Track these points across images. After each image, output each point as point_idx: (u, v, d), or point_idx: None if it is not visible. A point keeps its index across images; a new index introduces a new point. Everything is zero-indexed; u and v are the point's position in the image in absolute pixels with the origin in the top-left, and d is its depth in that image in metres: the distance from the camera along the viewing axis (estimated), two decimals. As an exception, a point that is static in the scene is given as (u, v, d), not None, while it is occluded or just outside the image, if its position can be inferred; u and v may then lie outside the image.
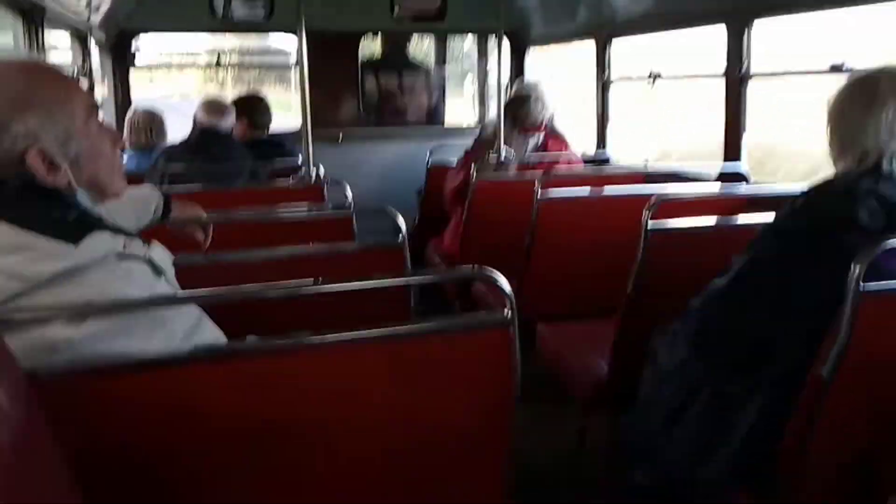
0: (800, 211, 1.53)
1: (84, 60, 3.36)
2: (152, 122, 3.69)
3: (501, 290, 1.23)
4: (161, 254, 1.20)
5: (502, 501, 1.36)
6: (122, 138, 1.34)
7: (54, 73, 1.20)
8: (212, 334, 1.21)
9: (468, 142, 3.99)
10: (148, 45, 4.59)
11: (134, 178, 1.71)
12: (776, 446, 1.45)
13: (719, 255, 1.68)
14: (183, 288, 1.31)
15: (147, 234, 1.22)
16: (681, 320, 1.74)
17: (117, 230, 1.14)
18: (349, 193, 2.47)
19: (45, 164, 1.12)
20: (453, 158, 4.03)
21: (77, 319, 1.04)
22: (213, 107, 3.24)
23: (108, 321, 1.06)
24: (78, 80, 1.26)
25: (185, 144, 3.18)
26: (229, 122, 3.26)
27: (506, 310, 1.22)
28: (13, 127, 1.09)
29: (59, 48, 3.33)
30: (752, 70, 2.86)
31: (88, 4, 3.28)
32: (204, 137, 3.14)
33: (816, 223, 1.45)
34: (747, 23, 2.81)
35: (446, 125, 5.37)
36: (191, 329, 1.16)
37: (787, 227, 1.55)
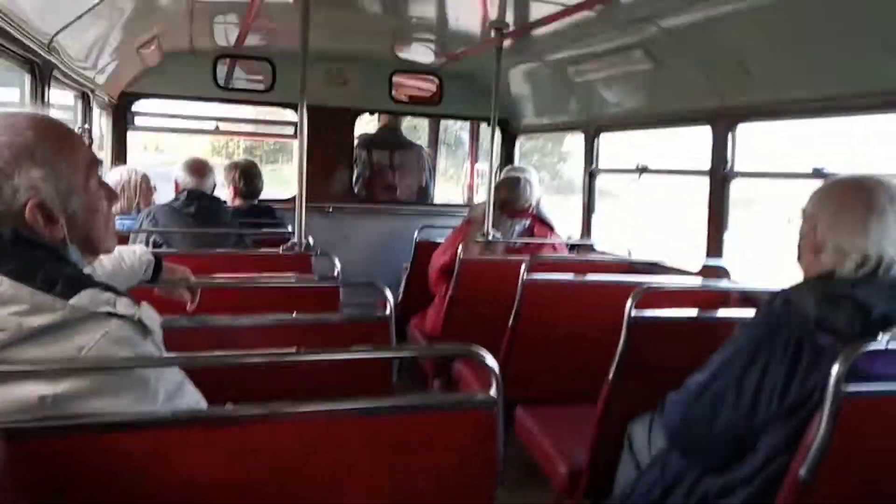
0: (777, 311, 1.56)
1: (85, 119, 3.41)
2: (141, 185, 3.70)
3: (489, 368, 1.23)
4: (150, 314, 1.19)
5: None
6: (118, 197, 1.36)
7: (61, 127, 1.22)
8: (192, 398, 1.20)
9: (456, 221, 4.06)
10: (152, 109, 4.69)
11: (120, 239, 1.73)
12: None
13: (700, 346, 1.70)
14: (166, 350, 1.30)
15: (135, 294, 1.22)
16: (659, 411, 1.74)
17: (107, 288, 1.14)
18: (338, 265, 2.48)
19: (43, 217, 1.13)
20: (441, 237, 4.09)
21: (58, 376, 1.03)
22: (195, 167, 3.23)
23: (90, 379, 1.04)
24: (82, 135, 1.29)
25: (170, 206, 3.14)
26: (210, 182, 3.26)
27: (492, 389, 1.22)
28: (16, 178, 1.11)
29: (61, 106, 3.38)
30: (736, 169, 2.97)
31: (95, 65, 3.36)
32: (191, 199, 3.12)
33: (794, 325, 1.48)
34: (731, 126, 2.93)
35: (436, 203, 5.47)
36: (173, 392, 1.14)
37: (765, 327, 1.57)
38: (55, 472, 1.01)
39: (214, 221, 3.11)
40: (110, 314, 1.09)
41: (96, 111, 3.74)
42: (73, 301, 1.06)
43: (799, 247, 1.65)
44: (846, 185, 1.59)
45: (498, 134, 4.89)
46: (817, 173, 2.51)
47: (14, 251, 1.09)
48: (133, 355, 1.10)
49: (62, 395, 1.02)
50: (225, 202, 3.60)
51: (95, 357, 1.05)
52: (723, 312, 2.21)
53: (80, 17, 2.54)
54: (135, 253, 1.73)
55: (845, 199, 1.55)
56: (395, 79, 4.83)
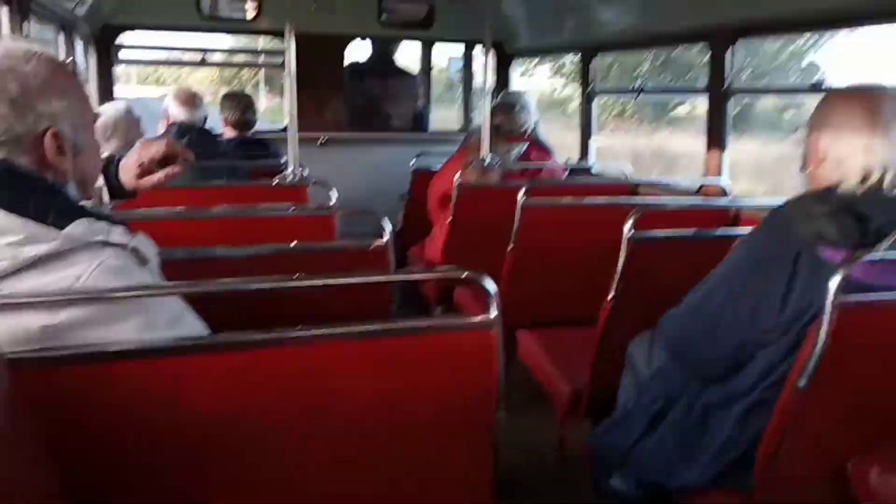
0: (776, 225, 1.55)
1: (68, 54, 3.32)
2: (128, 119, 3.62)
3: (486, 291, 1.24)
4: (145, 243, 1.19)
5: (484, 502, 1.36)
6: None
7: (67, 65, 1.25)
8: (195, 327, 1.20)
9: (452, 148, 4.01)
10: (137, 43, 4.56)
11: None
12: (753, 452, 1.47)
13: (699, 265, 1.70)
14: (166, 280, 1.30)
15: (132, 226, 1.21)
16: (659, 329, 1.76)
17: (101, 217, 1.13)
18: (334, 194, 2.46)
19: (56, 148, 1.16)
20: (438, 165, 4.05)
21: (57, 306, 1.03)
22: (184, 98, 3.15)
23: (89, 309, 1.05)
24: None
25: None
26: (201, 114, 3.18)
27: (491, 311, 1.23)
28: (39, 107, 1.14)
29: (41, 41, 3.28)
30: (735, 86, 2.91)
31: None
32: (181, 134, 3.05)
33: (792, 237, 1.47)
34: (730, 43, 2.86)
35: (431, 131, 5.39)
36: (173, 319, 1.15)
37: (763, 240, 1.57)
38: (59, 401, 1.03)
39: (206, 155, 3.04)
40: (105, 243, 1.09)
41: (79, 46, 3.64)
42: (66, 231, 1.06)
43: (803, 159, 1.63)
44: (850, 95, 1.55)
45: (493, 57, 4.78)
46: (816, 87, 2.47)
47: (6, 183, 1.09)
48: (129, 284, 1.10)
49: (63, 325, 1.03)
50: (218, 135, 3.55)
51: (93, 287, 1.05)
52: (722, 231, 2.21)
53: None
54: None
55: (849, 110, 1.50)
56: (385, 2, 4.69)
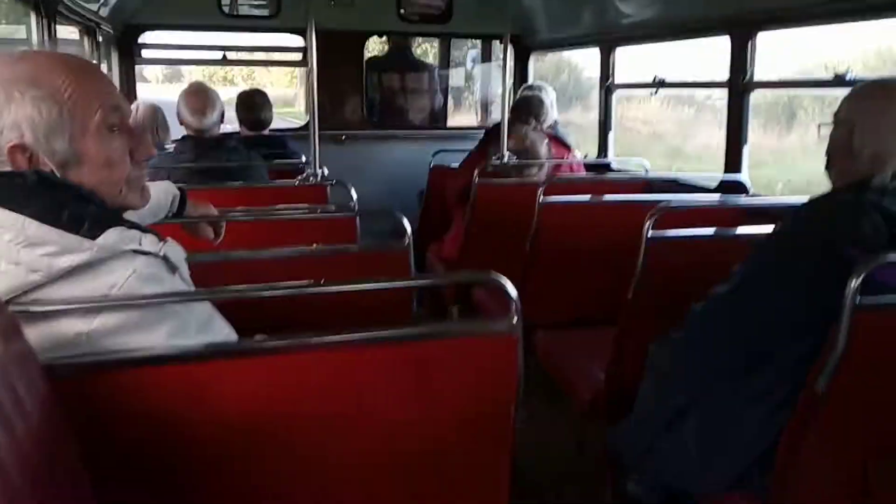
0: (803, 223, 1.54)
1: (92, 55, 3.37)
2: (153, 119, 3.55)
3: (508, 295, 1.25)
4: (176, 251, 1.21)
5: (502, 503, 1.38)
6: (148, 148, 1.26)
7: (67, 68, 1.14)
8: (222, 332, 1.23)
9: (471, 144, 4.01)
10: (157, 42, 4.61)
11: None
12: (772, 454, 1.47)
13: (719, 264, 1.70)
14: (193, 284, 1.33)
15: (161, 231, 1.24)
16: (680, 328, 1.76)
17: (133, 226, 1.16)
18: (354, 195, 2.48)
19: (26, 160, 1.10)
20: (456, 161, 4.06)
21: (91, 313, 1.06)
22: (191, 103, 2.85)
23: (122, 315, 1.08)
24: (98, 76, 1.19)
25: (176, 157, 2.89)
26: (212, 117, 2.90)
27: (512, 316, 1.24)
28: (4, 116, 1.08)
29: (66, 42, 3.33)
30: (756, 79, 2.89)
31: None
32: (195, 150, 2.85)
33: (820, 236, 1.46)
34: (751, 35, 2.84)
35: (450, 126, 5.40)
36: (202, 324, 1.18)
37: (790, 239, 1.55)
38: (93, 406, 1.06)
39: (223, 160, 2.88)
40: (137, 251, 1.12)
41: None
42: (99, 240, 1.08)
43: (829, 154, 1.59)
44: (885, 88, 1.52)
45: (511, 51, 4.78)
46: (840, 80, 2.44)
47: (38, 193, 1.09)
48: (161, 291, 1.13)
49: (96, 332, 1.06)
50: (233, 134, 3.48)
51: (126, 294, 1.08)
52: (742, 229, 2.20)
53: None
54: (162, 188, 1.73)
55: (885, 103, 1.47)
56: (403, -3, 4.70)
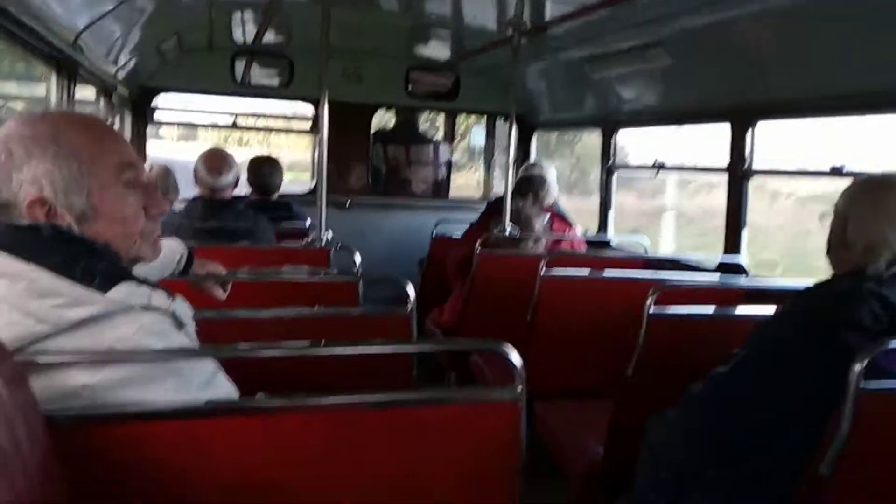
0: (803, 309, 1.56)
1: (108, 115, 3.46)
2: (164, 179, 3.67)
3: (512, 365, 1.25)
4: (183, 307, 1.22)
5: None
6: (161, 204, 1.30)
7: (85, 127, 1.19)
8: (224, 389, 1.23)
9: (473, 216, 4.07)
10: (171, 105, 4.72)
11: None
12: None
13: (718, 344, 1.71)
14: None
15: (170, 287, 1.25)
16: (678, 406, 1.75)
17: (142, 282, 1.17)
18: (358, 260, 2.50)
19: (45, 214, 1.13)
20: (458, 232, 4.11)
21: (96, 366, 1.06)
22: (210, 164, 2.96)
23: (127, 369, 1.07)
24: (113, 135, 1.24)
25: (186, 216, 2.95)
26: (228, 178, 2.99)
27: (517, 385, 1.24)
28: (20, 174, 1.11)
29: (83, 101, 3.42)
30: (755, 167, 2.96)
31: (116, 61, 3.40)
32: (205, 210, 2.92)
33: (819, 322, 1.48)
34: (751, 123, 2.93)
35: (452, 198, 5.49)
36: (205, 381, 1.17)
37: (790, 323, 1.57)
38: (93, 459, 1.05)
39: (231, 220, 2.94)
40: (145, 307, 1.13)
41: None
42: (109, 294, 1.09)
43: (829, 243, 1.65)
44: (878, 183, 1.58)
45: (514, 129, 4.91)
46: (836, 171, 2.50)
47: (53, 246, 1.11)
48: (167, 347, 1.13)
49: (100, 385, 1.06)
50: (242, 198, 3.57)
51: (132, 349, 1.08)
52: (742, 310, 2.21)
53: (104, 15, 2.58)
54: (170, 245, 1.76)
55: (877, 197, 1.53)
56: (412, 74, 4.85)
